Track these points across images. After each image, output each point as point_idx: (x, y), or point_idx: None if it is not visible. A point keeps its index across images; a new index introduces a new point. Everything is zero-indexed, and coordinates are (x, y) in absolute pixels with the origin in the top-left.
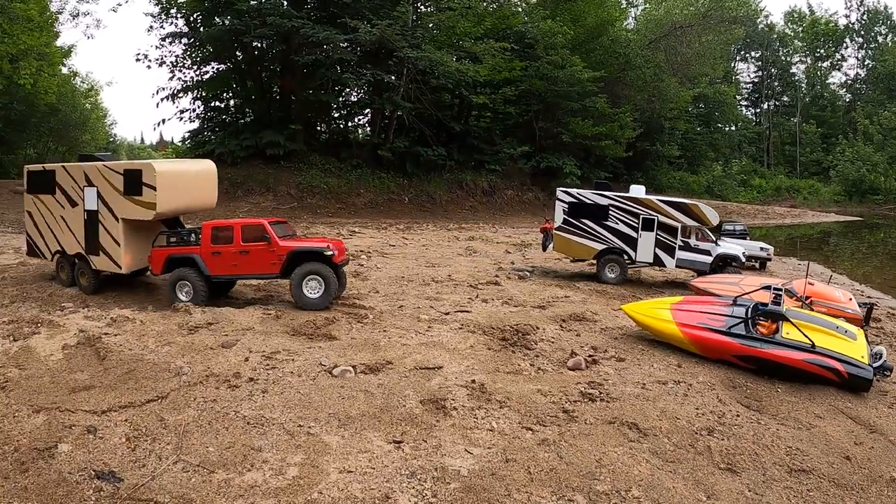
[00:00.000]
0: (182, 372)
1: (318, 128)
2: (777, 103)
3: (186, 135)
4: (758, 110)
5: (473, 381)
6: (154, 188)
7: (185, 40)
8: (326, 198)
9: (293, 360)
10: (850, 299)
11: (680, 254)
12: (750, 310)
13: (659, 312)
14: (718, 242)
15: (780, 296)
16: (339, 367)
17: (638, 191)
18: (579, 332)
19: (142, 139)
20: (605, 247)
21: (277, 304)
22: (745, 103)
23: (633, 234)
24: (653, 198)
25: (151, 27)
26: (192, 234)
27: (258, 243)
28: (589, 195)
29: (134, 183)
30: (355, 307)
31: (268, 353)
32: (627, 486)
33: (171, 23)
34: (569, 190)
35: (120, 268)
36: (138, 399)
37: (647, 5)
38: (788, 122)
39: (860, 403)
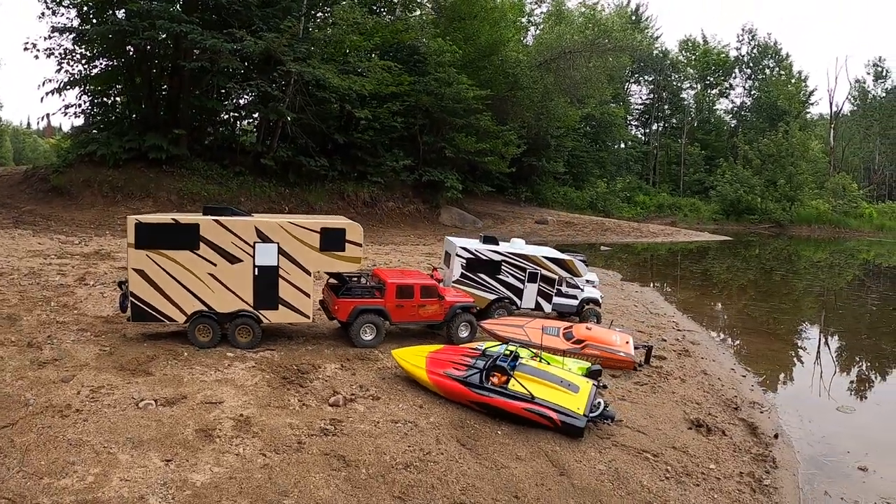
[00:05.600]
0: (29, 403)
1: (207, 131)
2: (666, 125)
3: (70, 131)
4: (647, 130)
5: (241, 415)
6: (359, 245)
7: (74, 34)
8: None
9: (113, 393)
10: (628, 342)
11: (555, 299)
12: (488, 363)
13: (416, 358)
14: (583, 288)
15: (515, 353)
16: (145, 401)
17: (519, 243)
18: (355, 371)
19: (28, 124)
20: (496, 297)
21: (115, 340)
22: (636, 123)
23: (520, 285)
24: (538, 254)
25: (43, 14)
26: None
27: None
28: (486, 251)
29: (335, 241)
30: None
31: (95, 387)
32: (308, 503)
33: (63, 14)
34: (467, 247)
35: (308, 318)
36: None
37: (543, 27)
38: (675, 143)
39: (571, 447)
